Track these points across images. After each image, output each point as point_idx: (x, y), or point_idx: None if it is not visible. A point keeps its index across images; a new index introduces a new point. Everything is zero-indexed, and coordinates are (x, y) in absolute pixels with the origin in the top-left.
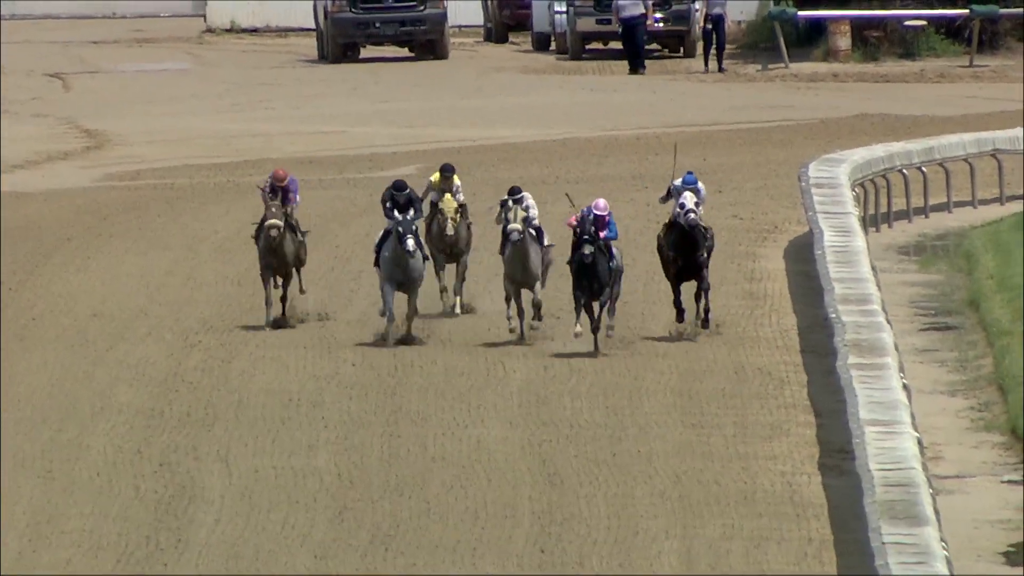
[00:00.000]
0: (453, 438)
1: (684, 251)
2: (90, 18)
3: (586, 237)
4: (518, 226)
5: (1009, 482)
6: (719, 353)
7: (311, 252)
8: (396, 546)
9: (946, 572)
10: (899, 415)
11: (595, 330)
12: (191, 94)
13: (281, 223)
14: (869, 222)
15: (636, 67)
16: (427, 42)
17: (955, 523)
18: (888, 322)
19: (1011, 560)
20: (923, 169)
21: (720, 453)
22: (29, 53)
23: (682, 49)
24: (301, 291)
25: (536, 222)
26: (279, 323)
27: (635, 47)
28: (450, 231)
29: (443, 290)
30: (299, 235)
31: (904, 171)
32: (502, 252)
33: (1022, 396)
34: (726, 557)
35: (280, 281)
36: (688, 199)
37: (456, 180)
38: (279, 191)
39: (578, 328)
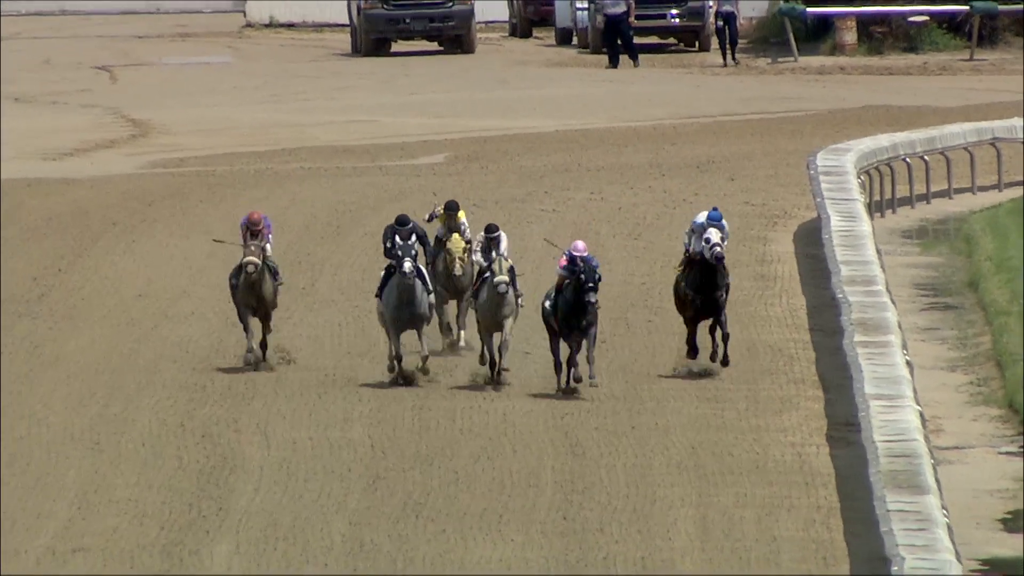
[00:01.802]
0: (480, 411)
1: (704, 290)
2: (135, 14)
3: (589, 284)
4: (505, 278)
5: (1006, 453)
6: (732, 332)
7: (328, 243)
8: (426, 513)
9: (947, 538)
10: (902, 390)
11: (573, 363)
12: (231, 86)
13: (259, 261)
14: (874, 208)
15: (631, 59)
16: (455, 37)
17: (955, 492)
18: (892, 302)
19: (1008, 527)
20: (925, 157)
21: (733, 426)
22: (78, 47)
23: (697, 43)
24: (262, 345)
25: (508, 263)
26: (258, 362)
27: (625, 42)
28: (458, 271)
29: (446, 326)
30: (276, 278)
31: (907, 159)
32: (475, 296)
33: (1019, 372)
34: (739, 524)
35: (258, 323)
36: (713, 234)
37: (462, 217)
38: (256, 234)
39: (563, 383)
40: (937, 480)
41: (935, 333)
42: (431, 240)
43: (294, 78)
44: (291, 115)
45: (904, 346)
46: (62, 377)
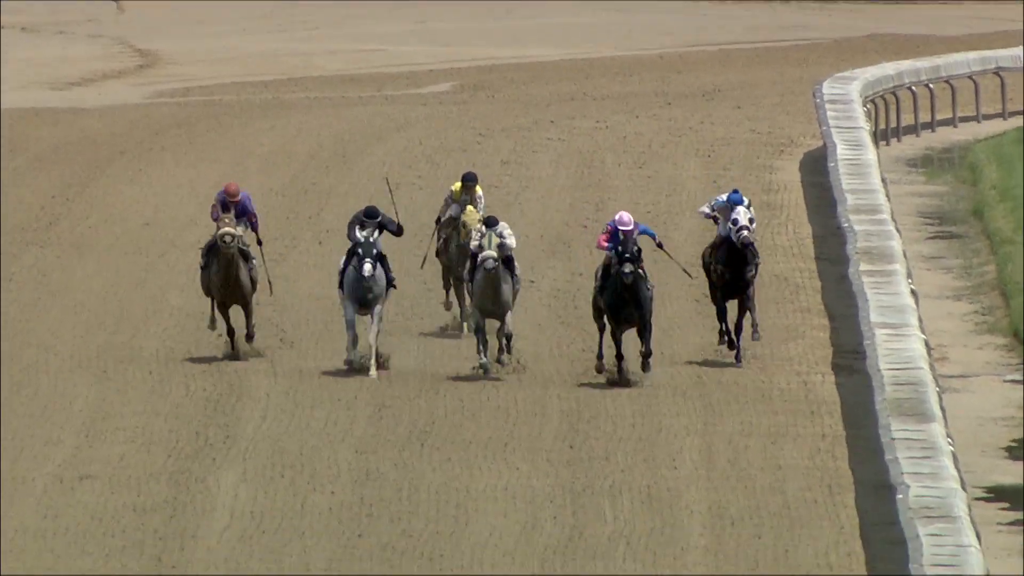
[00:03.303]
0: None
1: (733, 265)
2: None
3: (627, 255)
4: (493, 253)
5: (1011, 381)
6: None
7: (334, 172)
8: (432, 441)
9: (952, 466)
10: (907, 318)
11: (619, 357)
12: (238, 15)
13: (235, 231)
14: (879, 136)
15: None
16: None
17: (960, 420)
18: (897, 231)
19: (1013, 455)
20: (930, 86)
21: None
22: None
23: None
24: (249, 334)
25: (510, 252)
26: (234, 354)
27: None
28: (474, 244)
29: (450, 305)
30: (250, 264)
31: (912, 88)
32: (471, 279)
33: (1022, 301)
34: (744, 452)
35: (228, 314)
36: (742, 215)
37: (479, 190)
38: (231, 207)
39: (602, 362)
40: (942, 408)
41: (940, 262)
42: (442, 225)
43: (300, 6)
44: (297, 44)
45: (909, 275)
46: (69, 305)
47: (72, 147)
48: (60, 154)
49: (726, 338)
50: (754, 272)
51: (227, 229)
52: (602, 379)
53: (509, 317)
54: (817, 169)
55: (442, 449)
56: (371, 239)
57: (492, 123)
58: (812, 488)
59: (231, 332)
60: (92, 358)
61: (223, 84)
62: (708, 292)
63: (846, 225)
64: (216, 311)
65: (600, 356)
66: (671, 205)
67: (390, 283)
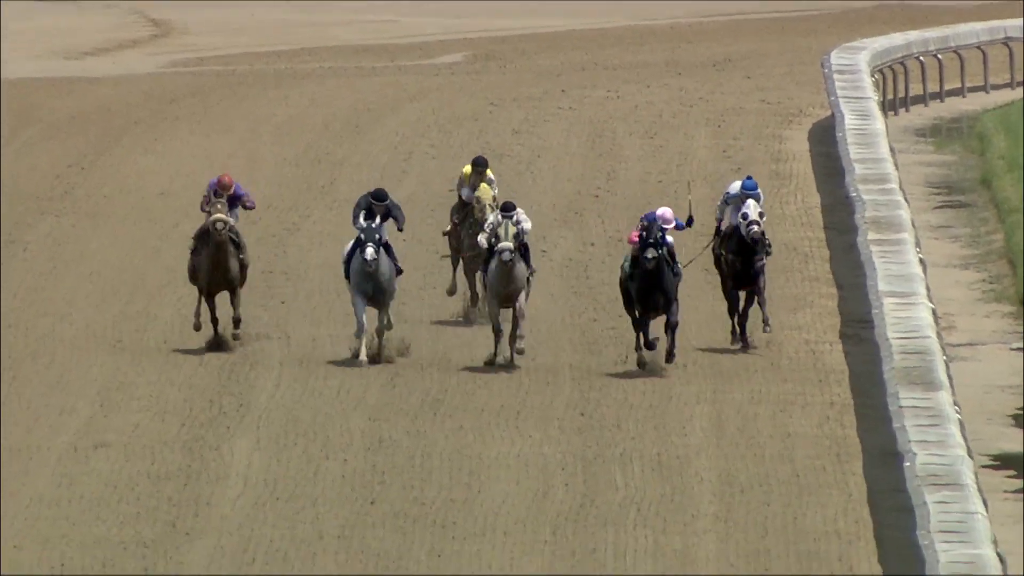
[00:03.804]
0: None
1: (744, 255)
2: None
3: (651, 241)
4: (509, 244)
5: (1018, 349)
6: None
7: (347, 142)
8: (444, 410)
9: (959, 434)
10: (915, 287)
11: (650, 346)
12: None
13: (228, 218)
14: (888, 106)
15: None
16: None
17: (967, 388)
18: (905, 200)
19: (1019, 422)
20: (939, 56)
21: (748, 323)
22: None
23: None
24: (236, 321)
25: (527, 238)
26: (218, 344)
27: None
28: (489, 218)
29: (455, 289)
30: (241, 252)
31: (921, 58)
32: (485, 269)
33: None
34: (753, 420)
35: (214, 303)
36: (752, 208)
37: (490, 173)
38: (224, 198)
39: (642, 354)
40: (949, 376)
41: (948, 231)
42: (454, 208)
43: None
44: (311, 14)
45: (917, 244)
46: (84, 274)
47: (87, 117)
48: (75, 124)
49: (738, 334)
50: (764, 261)
51: (219, 216)
52: (612, 348)
53: (523, 297)
54: (826, 139)
55: (454, 417)
56: (374, 225)
57: (504, 93)
58: (820, 456)
59: (215, 321)
60: (107, 327)
61: (237, 54)
62: (720, 286)
63: (854, 195)
64: (202, 302)
65: (639, 348)
66: (681, 174)
67: (397, 272)
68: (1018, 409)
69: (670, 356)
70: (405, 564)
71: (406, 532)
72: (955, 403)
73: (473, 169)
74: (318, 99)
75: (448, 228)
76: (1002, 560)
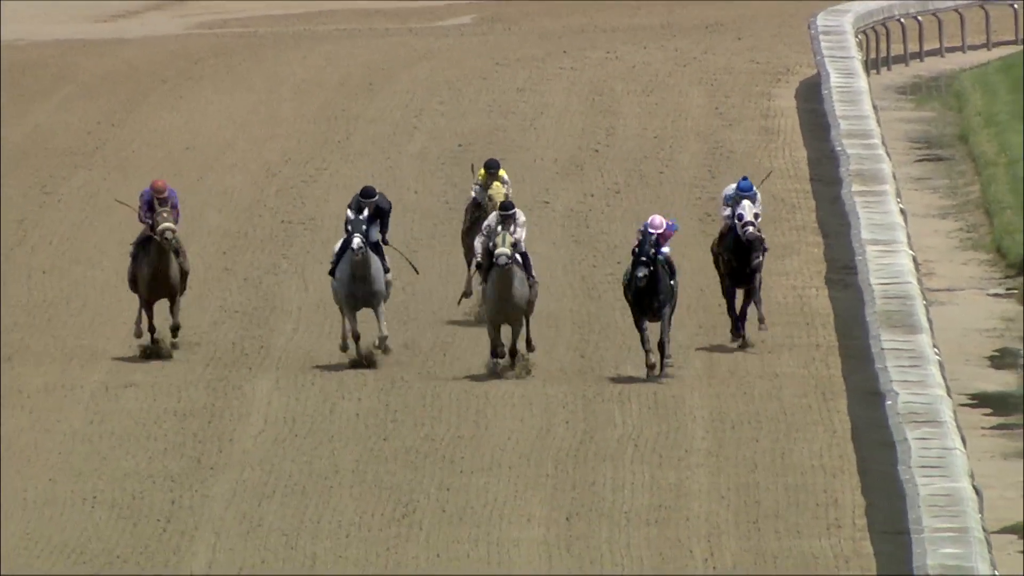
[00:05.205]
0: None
1: (739, 253)
2: None
3: (643, 259)
4: (507, 250)
5: (994, 295)
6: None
7: (362, 99)
8: (452, 351)
9: (938, 374)
10: (897, 235)
11: (659, 346)
12: None
13: (174, 226)
14: (871, 65)
15: None
16: None
17: (946, 331)
18: (887, 154)
19: (995, 364)
20: (919, 18)
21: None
22: None
23: None
24: (173, 329)
25: (523, 246)
26: (156, 350)
27: None
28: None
29: (469, 294)
30: (180, 258)
31: (902, 20)
32: (484, 281)
33: (1006, 219)
34: (743, 362)
35: (152, 311)
36: (747, 209)
37: (503, 173)
38: (163, 203)
39: (651, 358)
40: (929, 320)
41: (928, 183)
42: (468, 209)
43: None
44: None
45: (898, 195)
46: (115, 224)
47: (116, 76)
48: (105, 83)
49: (736, 330)
50: (760, 259)
51: (168, 224)
52: (611, 293)
53: (525, 329)
54: (812, 96)
55: (463, 359)
56: (362, 217)
57: (509, 53)
58: (807, 395)
59: (152, 329)
60: None
61: (258, 16)
62: (719, 284)
63: (839, 149)
64: (142, 310)
65: (646, 349)
66: (676, 130)
67: (385, 271)
68: (994, 351)
69: (660, 368)
70: (416, 497)
71: (417, 467)
72: (934, 345)
73: (486, 171)
74: (334, 59)
75: (463, 228)
76: (978, 493)
